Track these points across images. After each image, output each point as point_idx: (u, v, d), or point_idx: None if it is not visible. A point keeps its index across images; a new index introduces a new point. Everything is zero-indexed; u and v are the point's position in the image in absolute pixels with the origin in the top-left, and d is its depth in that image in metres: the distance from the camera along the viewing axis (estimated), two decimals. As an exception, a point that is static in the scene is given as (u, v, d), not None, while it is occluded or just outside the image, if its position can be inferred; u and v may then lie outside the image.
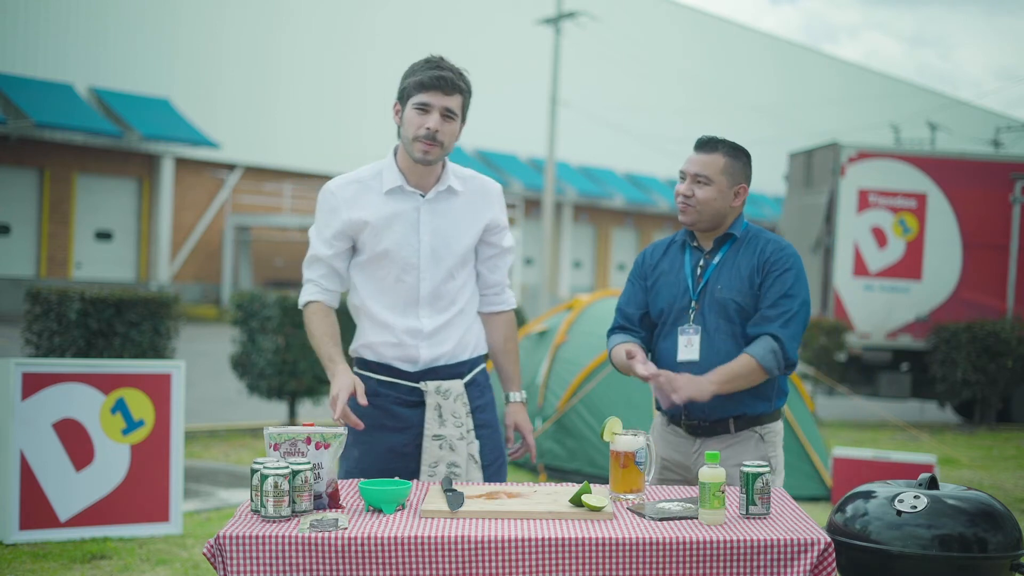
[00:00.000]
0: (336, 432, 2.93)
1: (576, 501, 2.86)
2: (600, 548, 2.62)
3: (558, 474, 7.71)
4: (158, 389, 5.77)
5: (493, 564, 2.61)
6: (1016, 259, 12.66)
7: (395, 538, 2.61)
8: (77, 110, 24.47)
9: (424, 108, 3.30)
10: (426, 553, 2.61)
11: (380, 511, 2.83)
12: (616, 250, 39.17)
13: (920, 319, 12.55)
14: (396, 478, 3.06)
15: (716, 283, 3.42)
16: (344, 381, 3.23)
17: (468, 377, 3.46)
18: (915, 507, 2.91)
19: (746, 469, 2.85)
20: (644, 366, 3.33)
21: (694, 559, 2.63)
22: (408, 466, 3.37)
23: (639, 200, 36.88)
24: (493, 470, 3.48)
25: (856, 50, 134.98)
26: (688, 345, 3.40)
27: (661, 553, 2.63)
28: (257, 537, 2.62)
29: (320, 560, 2.61)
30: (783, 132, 36.01)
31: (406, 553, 2.61)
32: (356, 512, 2.84)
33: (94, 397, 5.63)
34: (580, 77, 34.10)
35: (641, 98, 36.93)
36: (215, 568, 2.66)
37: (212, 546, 2.66)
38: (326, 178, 29.41)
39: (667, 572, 2.63)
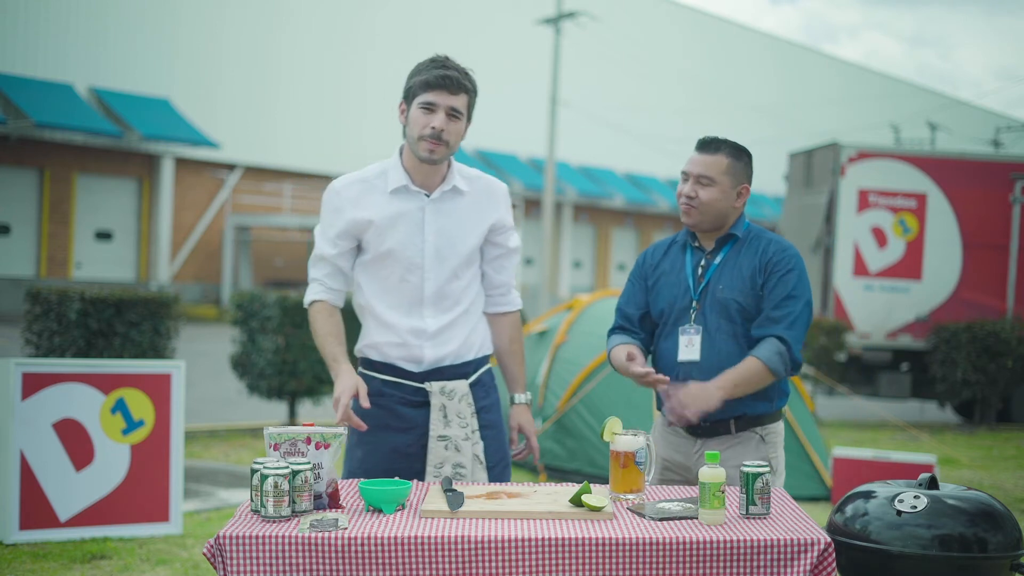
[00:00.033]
0: (336, 432, 2.93)
1: (576, 501, 2.86)
2: (600, 548, 2.62)
3: (558, 474, 7.71)
4: (158, 389, 5.77)
5: (493, 564, 2.61)
6: (1016, 259, 12.66)
7: (395, 538, 2.61)
8: (77, 110, 24.47)
9: (430, 107, 3.30)
10: (426, 553, 2.61)
11: (380, 511, 2.83)
12: (616, 250, 39.17)
13: (920, 319, 12.55)
14: (396, 478, 3.06)
15: (718, 283, 3.42)
16: (347, 383, 3.22)
17: (473, 377, 3.45)
18: (915, 507, 2.91)
19: (746, 469, 2.85)
20: (639, 367, 3.34)
21: (694, 559, 2.63)
22: (413, 467, 3.37)
23: (639, 200, 36.88)
24: (498, 471, 3.47)
25: (856, 50, 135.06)
26: (689, 345, 3.40)
27: (661, 553, 2.62)
28: (257, 537, 2.62)
29: (320, 560, 2.61)
30: (783, 132, 36.00)
31: (406, 553, 2.61)
32: (356, 512, 2.84)
33: (94, 397, 5.63)
34: (580, 77, 34.10)
35: (641, 98, 36.93)
36: (215, 568, 2.66)
37: (212, 546, 2.66)
38: (326, 178, 29.48)
39: (667, 572, 2.62)
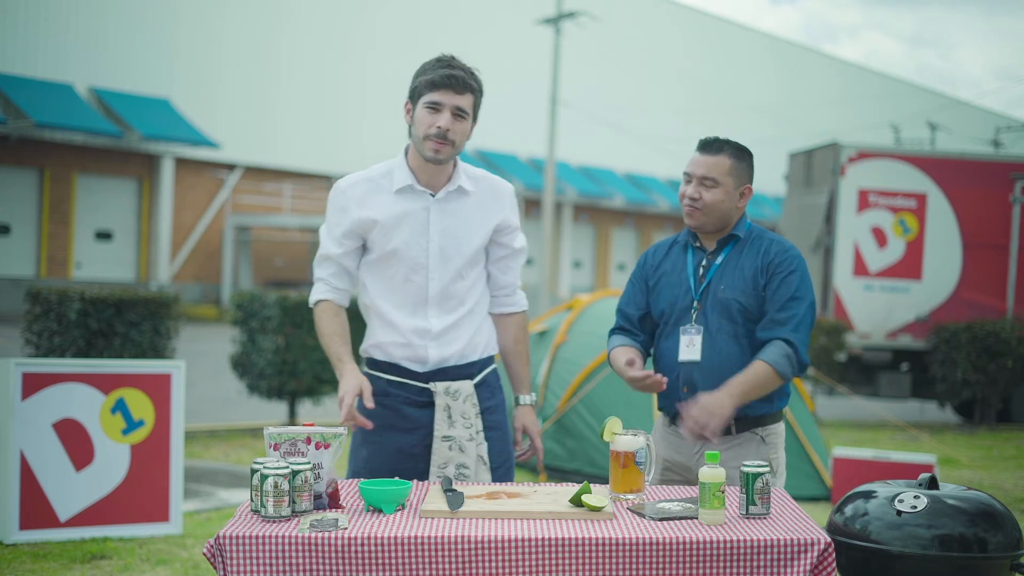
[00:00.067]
0: (336, 432, 2.92)
1: (576, 501, 2.85)
2: (600, 548, 2.62)
3: (558, 474, 7.71)
4: (158, 389, 5.77)
5: (493, 564, 2.61)
6: (1016, 259, 12.66)
7: (395, 538, 2.61)
8: (77, 110, 24.48)
9: (435, 107, 3.30)
10: (426, 553, 2.61)
11: (380, 511, 2.83)
12: (616, 250, 39.16)
13: (920, 319, 12.55)
14: (397, 478, 3.05)
15: (719, 283, 3.41)
16: (351, 382, 3.22)
17: (478, 378, 3.44)
18: (915, 507, 2.91)
19: (746, 469, 2.85)
20: (638, 371, 3.34)
21: (694, 559, 2.63)
22: (417, 467, 3.36)
23: (639, 200, 36.88)
24: (502, 472, 3.46)
25: (856, 50, 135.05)
26: (690, 345, 3.40)
27: (661, 553, 2.62)
28: (257, 537, 2.62)
29: (320, 560, 2.61)
30: (783, 132, 35.99)
31: (406, 553, 2.61)
32: (356, 512, 2.84)
33: (94, 397, 5.63)
34: (580, 77, 34.10)
35: (641, 98, 36.93)
36: (215, 568, 2.66)
37: (212, 546, 2.66)
38: (326, 178, 29.52)
39: (667, 572, 2.62)
